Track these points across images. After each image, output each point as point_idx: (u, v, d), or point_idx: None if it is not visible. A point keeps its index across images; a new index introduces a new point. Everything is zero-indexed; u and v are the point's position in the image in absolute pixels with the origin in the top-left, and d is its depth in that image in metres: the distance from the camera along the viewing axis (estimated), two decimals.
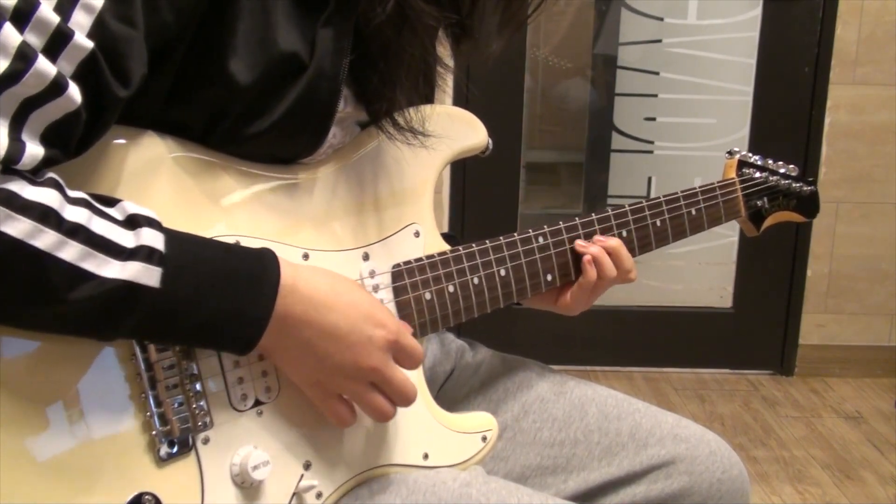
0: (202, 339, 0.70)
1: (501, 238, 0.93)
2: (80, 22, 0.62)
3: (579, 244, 0.97)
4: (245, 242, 0.75)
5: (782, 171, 1.16)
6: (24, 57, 0.59)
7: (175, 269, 0.66)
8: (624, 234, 1.01)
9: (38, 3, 0.60)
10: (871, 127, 2.61)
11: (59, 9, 0.61)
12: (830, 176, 2.63)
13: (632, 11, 2.66)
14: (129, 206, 0.67)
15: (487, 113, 1.00)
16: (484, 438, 0.91)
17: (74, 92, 0.62)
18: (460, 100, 2.21)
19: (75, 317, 0.63)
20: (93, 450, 0.67)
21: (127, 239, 0.64)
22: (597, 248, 0.97)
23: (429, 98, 0.92)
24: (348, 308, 0.75)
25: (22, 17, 0.59)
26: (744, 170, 1.13)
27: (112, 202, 0.67)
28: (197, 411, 0.73)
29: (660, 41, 2.68)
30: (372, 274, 0.85)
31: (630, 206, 1.02)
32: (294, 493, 0.78)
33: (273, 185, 0.79)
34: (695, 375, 2.76)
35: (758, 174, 1.13)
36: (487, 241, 0.93)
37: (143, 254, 0.64)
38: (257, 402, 0.77)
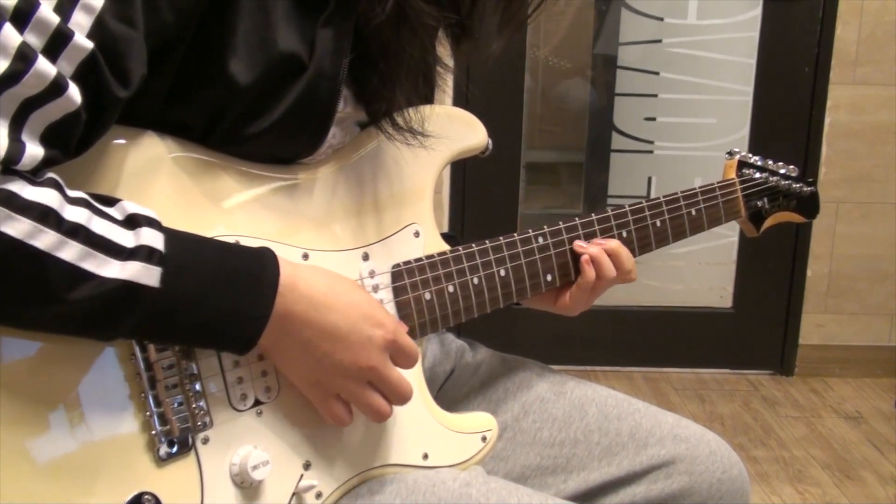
0: (202, 338, 0.70)
1: (501, 238, 0.93)
2: (80, 22, 0.62)
3: (578, 245, 0.97)
4: (245, 242, 0.75)
5: (782, 171, 1.16)
6: (24, 57, 0.59)
7: (175, 268, 0.66)
8: (624, 234, 1.01)
9: (38, 4, 0.60)
10: (871, 127, 2.61)
11: (59, 9, 0.61)
12: (830, 176, 2.63)
13: (632, 11, 2.66)
14: (129, 206, 0.67)
15: (487, 113, 1.00)
16: (484, 438, 0.91)
17: (74, 92, 0.62)
18: (460, 100, 2.21)
19: (75, 317, 0.63)
20: (92, 449, 0.67)
21: (127, 239, 0.64)
22: (596, 249, 0.97)
23: (428, 98, 0.92)
24: (348, 308, 0.75)
25: (22, 17, 0.59)
26: (744, 170, 1.13)
27: (112, 202, 0.67)
28: (196, 411, 0.73)
29: (660, 41, 2.68)
30: (372, 274, 0.85)
31: (630, 206, 1.02)
32: (294, 493, 0.78)
33: (273, 186, 0.80)
34: (695, 375, 2.76)
35: (758, 175, 1.13)
36: (487, 242, 0.93)
37: (143, 253, 0.64)
38: (257, 402, 0.77)
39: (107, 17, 0.63)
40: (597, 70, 2.77)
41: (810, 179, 1.20)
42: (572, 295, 0.99)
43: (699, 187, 1.07)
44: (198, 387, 0.73)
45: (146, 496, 0.69)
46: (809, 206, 1.20)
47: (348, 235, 0.84)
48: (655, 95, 2.71)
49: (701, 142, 2.73)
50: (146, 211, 0.67)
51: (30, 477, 0.64)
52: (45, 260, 0.60)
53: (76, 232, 0.62)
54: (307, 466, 0.79)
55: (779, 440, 2.35)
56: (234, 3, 0.72)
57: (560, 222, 0.98)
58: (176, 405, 0.71)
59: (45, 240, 0.60)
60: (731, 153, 1.14)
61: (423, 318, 0.87)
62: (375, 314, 0.77)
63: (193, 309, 0.67)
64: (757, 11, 2.62)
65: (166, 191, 0.73)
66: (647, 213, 1.02)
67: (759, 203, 1.14)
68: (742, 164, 1.13)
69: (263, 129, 0.75)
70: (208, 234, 0.74)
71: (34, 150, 0.61)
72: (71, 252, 0.61)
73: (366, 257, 0.85)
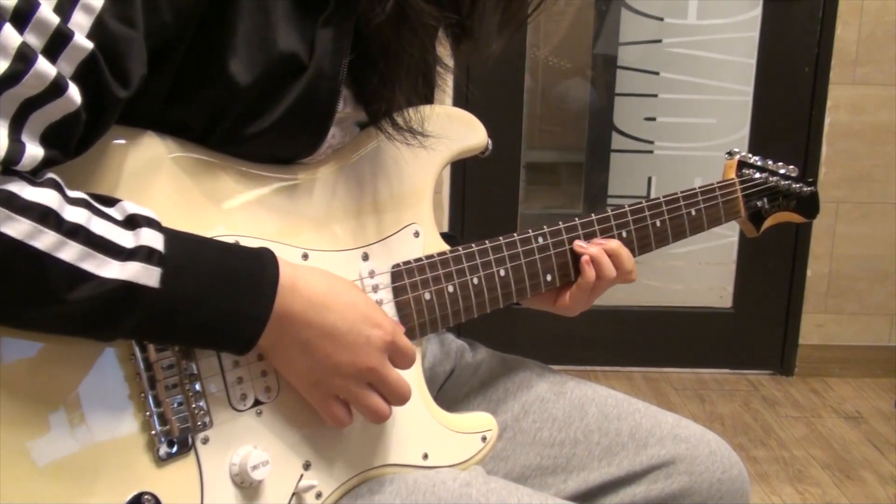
0: (202, 338, 0.70)
1: (501, 238, 0.93)
2: (80, 22, 0.62)
3: (578, 245, 0.97)
4: (244, 242, 0.75)
5: (782, 171, 1.16)
6: (24, 58, 0.59)
7: (174, 269, 0.66)
8: (624, 234, 1.01)
9: (38, 4, 0.60)
10: (871, 127, 2.61)
11: (58, 9, 0.61)
12: (830, 176, 2.63)
13: (632, 11, 2.66)
14: (129, 206, 0.67)
15: (487, 113, 1.00)
16: (484, 438, 0.91)
17: (74, 93, 0.62)
18: (460, 100, 2.21)
19: (75, 317, 0.63)
20: (92, 449, 0.67)
21: (126, 239, 0.64)
22: (596, 249, 0.97)
23: (428, 98, 0.92)
24: (346, 308, 0.75)
25: (22, 17, 0.59)
26: (744, 170, 1.13)
27: (112, 202, 0.67)
28: (196, 411, 0.73)
29: (660, 41, 2.68)
30: (371, 274, 0.85)
31: (630, 206, 1.02)
32: (293, 493, 0.78)
33: (273, 186, 0.80)
34: (695, 375, 2.76)
35: (758, 175, 1.13)
36: (487, 242, 0.93)
37: (143, 254, 0.64)
38: (257, 402, 0.77)
39: (107, 17, 0.63)
40: (597, 70, 2.77)
41: (810, 179, 1.20)
42: (572, 295, 0.99)
43: (699, 187, 1.07)
44: (198, 387, 0.73)
45: (146, 496, 0.69)
46: (809, 206, 1.20)
47: (348, 235, 0.84)
48: (655, 95, 2.71)
49: (701, 142, 2.73)
50: (146, 211, 0.67)
51: (30, 477, 0.64)
52: (44, 260, 0.60)
53: (76, 232, 0.62)
54: (307, 466, 0.79)
55: (779, 440, 2.35)
56: (234, 3, 0.72)
57: (560, 222, 0.98)
58: (176, 405, 0.71)
59: (44, 240, 0.60)
60: (730, 153, 1.14)
61: (422, 318, 0.87)
62: (373, 315, 0.77)
63: (193, 309, 0.67)
64: (757, 11, 2.62)
65: (166, 191, 0.73)
66: (647, 213, 1.02)
67: (759, 203, 1.14)
68: (742, 164, 1.13)
69: (263, 129, 0.75)
70: (208, 235, 0.74)
71: (34, 151, 0.61)
72: (71, 252, 0.61)
73: (365, 257, 0.85)
